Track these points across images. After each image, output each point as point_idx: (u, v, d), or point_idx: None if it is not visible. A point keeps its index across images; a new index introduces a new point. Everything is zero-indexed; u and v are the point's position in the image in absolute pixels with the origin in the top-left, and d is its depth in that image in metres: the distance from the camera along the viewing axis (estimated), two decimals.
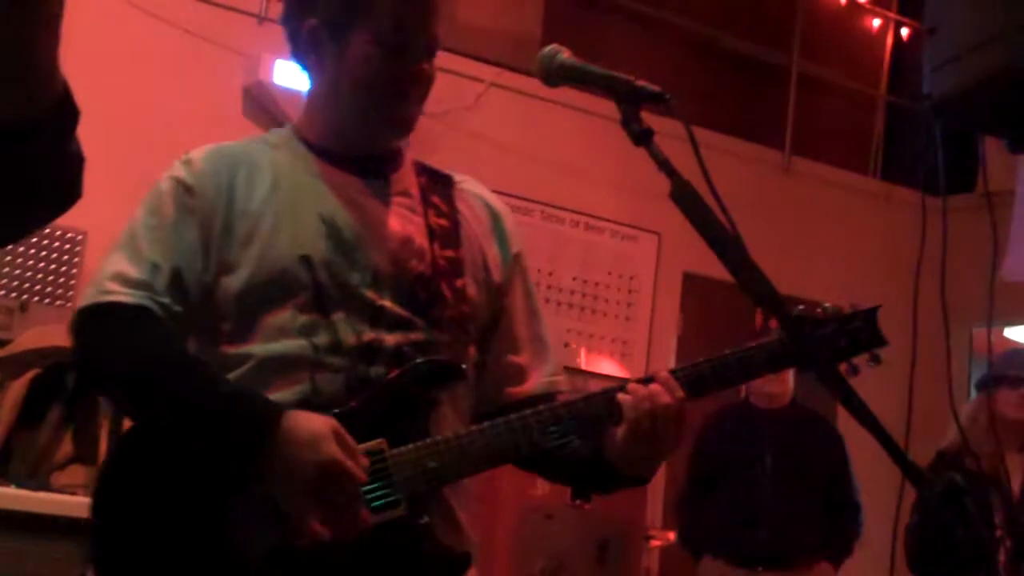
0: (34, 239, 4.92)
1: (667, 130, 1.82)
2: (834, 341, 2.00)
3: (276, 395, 1.91)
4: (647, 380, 1.95)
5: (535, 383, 2.17)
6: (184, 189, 2.01)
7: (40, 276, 4.91)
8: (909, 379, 2.44)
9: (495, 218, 2.23)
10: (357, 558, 1.88)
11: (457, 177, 2.24)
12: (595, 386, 5.99)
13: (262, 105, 5.70)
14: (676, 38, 7.25)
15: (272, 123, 5.70)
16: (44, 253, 4.95)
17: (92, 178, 4.68)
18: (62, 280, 4.94)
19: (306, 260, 1.97)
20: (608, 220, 6.58)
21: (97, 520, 1.93)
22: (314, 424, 1.85)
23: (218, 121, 5.37)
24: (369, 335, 1.97)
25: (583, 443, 2.01)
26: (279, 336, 1.95)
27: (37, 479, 4.08)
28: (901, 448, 1.58)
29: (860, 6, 7.77)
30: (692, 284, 6.71)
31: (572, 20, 6.86)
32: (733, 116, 7.24)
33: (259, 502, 1.86)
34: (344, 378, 1.95)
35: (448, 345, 2.04)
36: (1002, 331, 6.79)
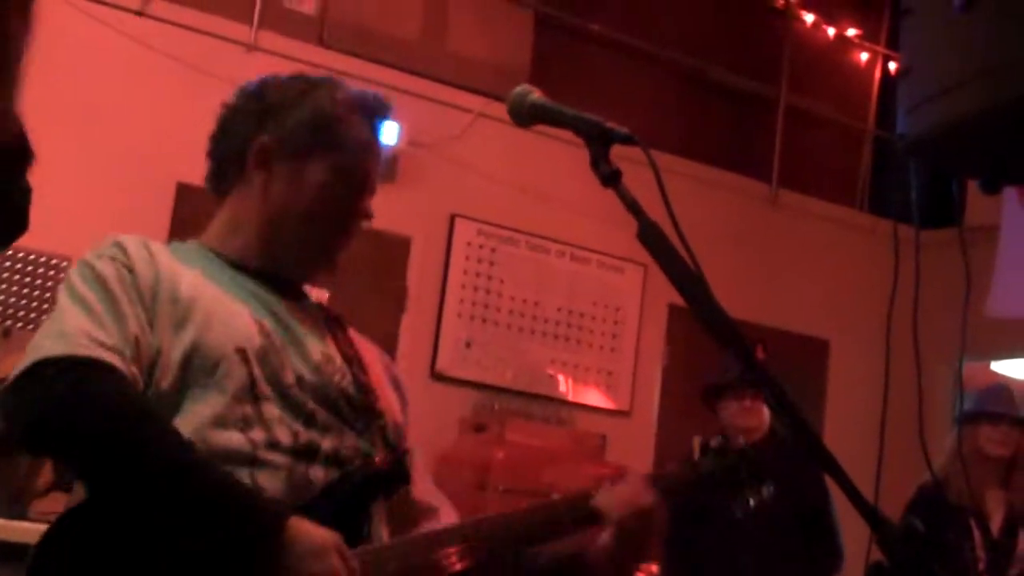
0: (18, 265, 4.90)
1: (638, 158, 1.82)
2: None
3: None
4: (615, 479, 1.98)
5: (447, 522, 2.11)
6: (124, 267, 1.91)
7: (24, 302, 4.89)
8: (881, 415, 2.43)
9: (387, 365, 2.23)
10: None
11: (343, 319, 2.21)
12: (581, 417, 5.96)
13: None
14: (665, 70, 7.27)
15: None
16: (28, 279, 4.93)
17: (78, 204, 4.71)
18: (46, 307, 4.92)
19: (242, 352, 1.90)
20: (594, 251, 6.57)
21: None
22: (318, 535, 1.78)
23: (205, 149, 5.35)
24: (305, 436, 1.91)
25: (555, 551, 2.00)
26: (215, 426, 1.85)
27: (17, 507, 4.06)
28: (861, 494, 1.60)
29: (849, 40, 7.80)
30: (677, 316, 6.70)
31: (561, 51, 6.87)
32: (721, 148, 7.26)
33: None
34: (285, 477, 1.87)
35: (381, 451, 2.01)
36: (988, 365, 6.80)
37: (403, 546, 1.92)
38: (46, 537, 1.80)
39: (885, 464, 2.32)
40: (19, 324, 4.87)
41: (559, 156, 6.33)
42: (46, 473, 4.22)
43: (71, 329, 1.78)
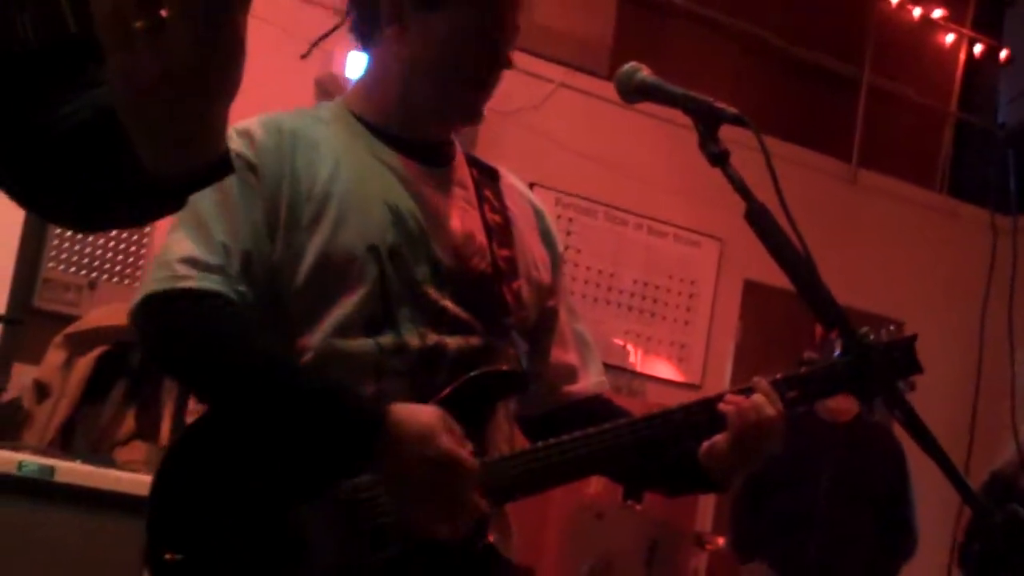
0: None
1: (734, 138, 1.83)
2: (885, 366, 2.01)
3: None
4: (747, 391, 1.96)
5: (588, 383, 2.16)
6: (247, 166, 1.88)
7: (109, 255, 4.97)
8: (973, 399, 2.44)
9: (540, 217, 2.20)
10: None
11: (501, 171, 2.19)
12: (651, 389, 5.98)
13: (334, 97, 5.73)
14: (747, 46, 7.23)
15: None
16: (113, 232, 5.00)
17: None
18: (131, 259, 4.99)
19: (374, 250, 1.89)
20: (672, 224, 6.57)
21: (155, 513, 1.86)
22: (423, 417, 1.80)
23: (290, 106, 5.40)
24: (432, 338, 1.91)
25: (676, 452, 2.01)
26: (343, 332, 1.87)
27: (99, 454, 4.14)
28: (961, 474, 1.59)
29: (933, 21, 7.71)
30: (752, 292, 6.69)
31: (643, 25, 6.86)
32: (802, 125, 7.20)
33: (332, 512, 1.81)
34: (409, 383, 1.88)
35: (506, 351, 2.00)
36: None
37: (526, 455, 1.93)
38: (172, 448, 1.91)
39: (974, 450, 2.32)
40: (104, 276, 4.95)
41: (640, 129, 6.34)
42: (129, 421, 4.30)
43: (175, 255, 1.82)
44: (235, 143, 1.89)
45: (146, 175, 1.02)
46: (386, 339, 1.88)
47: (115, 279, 4.94)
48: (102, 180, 1.07)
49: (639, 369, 6.40)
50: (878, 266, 7.19)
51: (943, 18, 7.74)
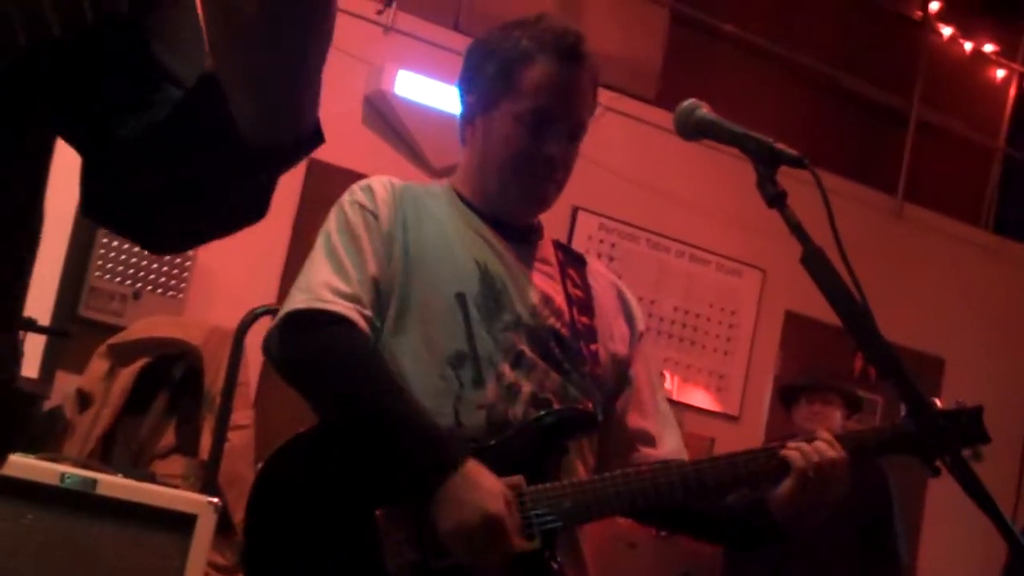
0: None
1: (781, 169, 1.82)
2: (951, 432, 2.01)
3: None
4: (810, 439, 2.00)
5: (666, 449, 2.22)
6: (370, 214, 2.10)
7: (154, 266, 5.00)
8: (1023, 447, 2.42)
9: (623, 298, 2.32)
10: None
11: (588, 258, 2.33)
12: (689, 419, 5.95)
13: (382, 114, 5.76)
14: (796, 75, 7.20)
15: (391, 133, 5.77)
16: None
17: None
18: (175, 272, 5.01)
19: (461, 297, 2.06)
20: (714, 253, 6.55)
21: (252, 518, 2.02)
22: (492, 481, 1.92)
23: (338, 127, 5.41)
24: (509, 377, 2.05)
25: (738, 498, 2.05)
26: (429, 360, 2.04)
27: (139, 466, 4.16)
28: (1011, 527, 1.59)
29: (984, 55, 7.67)
30: (793, 323, 6.66)
31: (693, 51, 6.85)
32: (849, 158, 7.15)
33: (407, 520, 1.94)
34: (486, 415, 2.02)
35: (579, 395, 2.11)
36: None
37: (581, 486, 2.01)
38: (274, 453, 2.07)
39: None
40: (148, 287, 4.98)
41: (685, 156, 6.32)
42: (169, 435, 4.32)
43: (316, 282, 2.04)
44: (358, 196, 2.14)
45: (245, 147, 1.06)
46: (466, 373, 2.04)
47: (159, 290, 4.97)
48: (203, 163, 1.10)
49: (677, 398, 6.37)
50: (922, 301, 7.14)
51: (994, 53, 7.70)
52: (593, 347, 2.17)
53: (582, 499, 1.99)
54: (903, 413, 1.86)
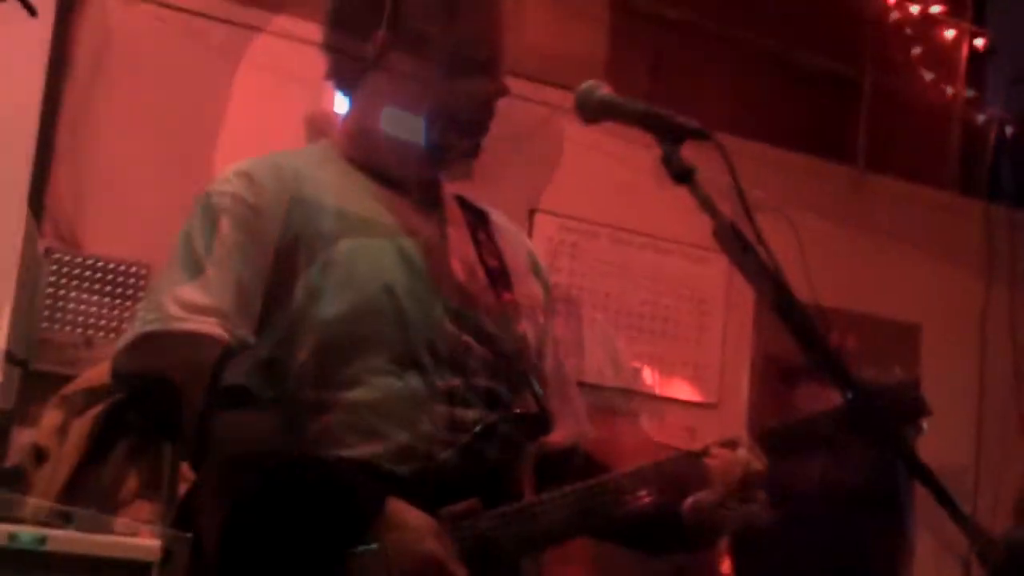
0: (98, 274, 4.91)
1: (734, 148, 1.73)
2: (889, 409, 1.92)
3: (375, 445, 1.80)
4: (731, 443, 1.89)
5: (564, 435, 2.07)
6: (247, 208, 1.86)
7: (105, 311, 4.90)
8: (978, 411, 2.35)
9: (531, 255, 2.17)
10: None
11: (489, 211, 2.15)
12: (669, 410, 5.92)
13: (324, 133, 5.65)
14: (746, 55, 7.13)
15: None
16: (109, 288, 4.94)
17: (154, 209, 4.72)
18: (127, 315, 4.92)
19: (389, 289, 1.85)
20: (677, 242, 6.47)
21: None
22: (413, 517, 1.73)
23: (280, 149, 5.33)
24: (459, 377, 1.87)
25: (660, 507, 1.94)
26: (370, 377, 1.82)
27: (102, 517, 4.06)
28: (965, 513, 1.53)
29: (934, 17, 7.62)
30: (765, 305, 6.58)
31: (637, 38, 6.77)
32: (805, 133, 7.11)
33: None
34: (444, 423, 1.84)
35: (528, 393, 1.97)
36: None
37: (520, 510, 1.85)
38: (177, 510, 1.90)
39: (983, 454, 2.22)
40: (100, 333, 4.88)
41: (640, 147, 6.25)
42: (131, 481, 4.21)
43: (167, 297, 1.77)
44: (233, 185, 1.87)
45: None
46: (413, 381, 1.83)
47: (111, 335, 4.86)
48: None
49: (656, 391, 6.29)
50: (893, 270, 7.09)
51: (942, 13, 7.64)
52: (520, 328, 2.00)
53: (537, 524, 1.84)
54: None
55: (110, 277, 4.95)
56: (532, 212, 6.10)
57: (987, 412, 6.29)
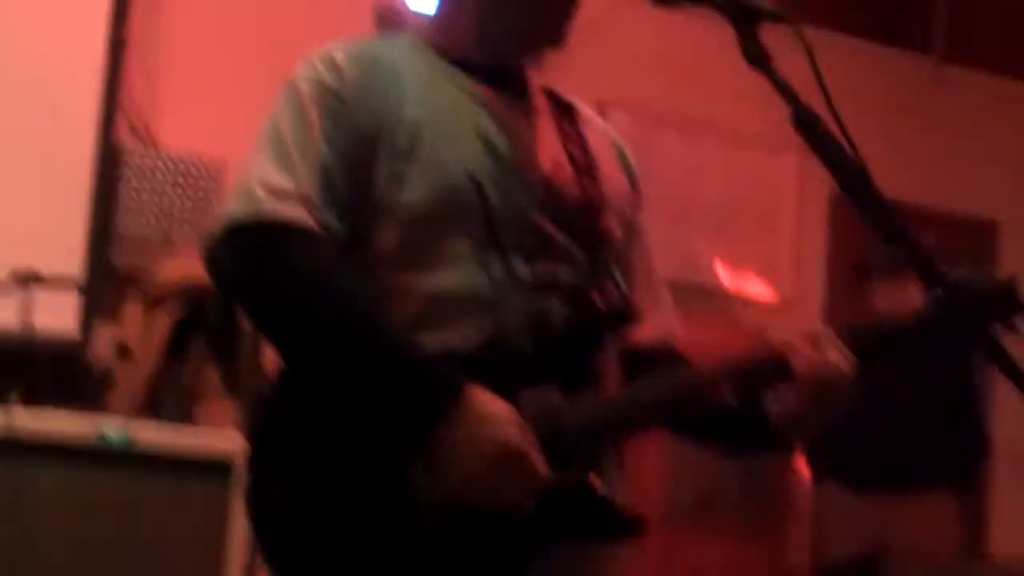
0: (173, 170, 4.92)
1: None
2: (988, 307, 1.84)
3: (454, 332, 1.79)
4: (817, 340, 1.84)
5: (651, 331, 2.04)
6: (332, 95, 1.83)
7: (180, 206, 4.92)
8: None
9: (619, 149, 2.11)
10: (528, 516, 1.75)
11: (578, 105, 2.09)
12: (740, 308, 5.89)
13: (393, 29, 5.62)
14: None
15: None
16: (183, 182, 4.95)
17: (228, 104, 4.71)
18: (203, 209, 4.94)
19: (474, 179, 1.82)
20: (752, 135, 6.38)
21: (256, 467, 1.82)
22: (494, 405, 1.70)
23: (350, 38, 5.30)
24: (543, 267, 1.84)
25: (742, 406, 1.90)
26: (454, 266, 1.81)
27: (185, 413, 4.12)
28: None
29: None
30: (841, 202, 6.49)
31: None
32: (879, 20, 6.88)
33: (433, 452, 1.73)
34: (526, 317, 1.81)
35: (611, 285, 1.92)
36: None
37: (614, 399, 1.85)
38: (259, 404, 1.89)
39: None
40: (178, 228, 4.90)
41: (716, 36, 6.11)
42: (212, 377, 4.27)
43: (256, 182, 1.77)
44: (317, 71, 1.85)
45: None
46: (497, 272, 1.81)
47: (188, 229, 4.88)
48: None
49: (727, 287, 6.25)
50: (971, 165, 6.94)
51: None
52: (607, 219, 1.95)
53: (619, 414, 1.83)
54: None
55: (185, 173, 4.97)
56: (602, 104, 6.02)
57: None
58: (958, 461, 4.99)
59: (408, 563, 1.73)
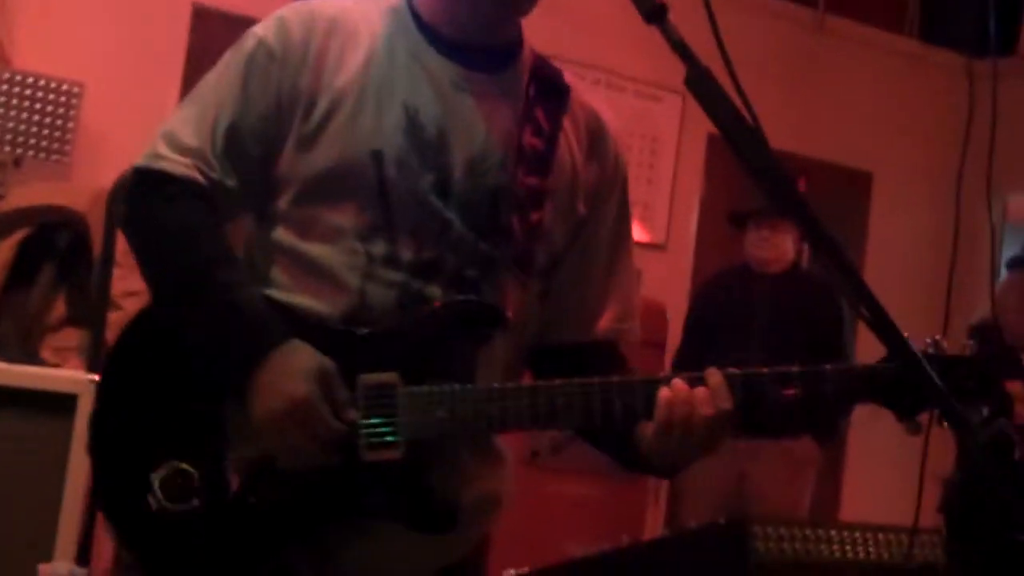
0: (28, 91, 4.72)
1: None
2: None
3: (323, 302, 1.80)
4: (698, 379, 1.75)
5: (602, 329, 1.98)
6: (268, 56, 1.85)
7: (35, 129, 4.73)
8: (951, 260, 2.25)
9: (599, 137, 2.00)
10: (337, 484, 1.77)
11: (574, 87, 1.98)
12: None
13: None
14: None
15: None
16: (40, 106, 4.76)
17: (90, 29, 4.48)
18: (58, 134, 4.75)
19: (377, 155, 1.80)
20: (631, 79, 6.34)
21: (99, 403, 1.89)
22: (305, 361, 1.73)
23: None
24: (430, 251, 1.81)
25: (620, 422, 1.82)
26: (335, 237, 1.81)
27: (30, 342, 3.97)
28: (900, 333, 1.47)
29: None
30: (717, 146, 6.50)
31: None
32: None
33: (244, 397, 1.77)
34: (396, 294, 1.80)
35: (498, 283, 1.86)
36: None
37: (464, 395, 1.77)
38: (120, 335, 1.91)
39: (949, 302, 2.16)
40: (31, 152, 4.72)
41: None
42: (59, 306, 4.11)
43: (164, 134, 1.85)
44: (265, 28, 1.88)
45: None
46: (378, 248, 1.81)
47: (41, 155, 4.71)
48: None
49: None
50: (848, 115, 7.00)
51: None
52: (535, 216, 1.88)
53: (460, 410, 1.75)
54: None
55: (42, 95, 4.76)
56: None
57: (935, 259, 6.30)
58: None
59: (211, 497, 1.78)
